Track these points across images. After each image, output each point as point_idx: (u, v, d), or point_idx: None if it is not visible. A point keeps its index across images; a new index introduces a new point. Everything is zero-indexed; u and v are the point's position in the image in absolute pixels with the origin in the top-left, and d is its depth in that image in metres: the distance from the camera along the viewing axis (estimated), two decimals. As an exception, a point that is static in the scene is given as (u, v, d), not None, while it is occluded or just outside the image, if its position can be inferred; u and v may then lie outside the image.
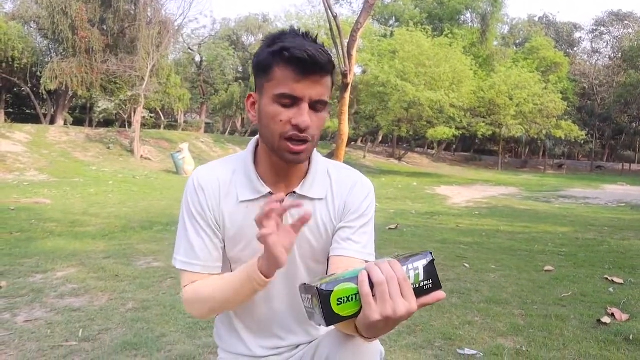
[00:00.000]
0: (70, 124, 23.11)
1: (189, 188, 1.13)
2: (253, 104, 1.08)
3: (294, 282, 1.14)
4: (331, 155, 12.00)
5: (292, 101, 0.99)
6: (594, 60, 41.38)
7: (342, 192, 1.15)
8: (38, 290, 3.30)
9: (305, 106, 0.99)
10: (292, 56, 0.96)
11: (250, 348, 1.20)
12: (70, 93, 22.53)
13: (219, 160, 1.19)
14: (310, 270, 1.17)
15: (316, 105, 1.01)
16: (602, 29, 39.97)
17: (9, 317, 2.81)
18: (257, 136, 1.14)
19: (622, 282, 3.90)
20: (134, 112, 19.86)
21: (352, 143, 27.41)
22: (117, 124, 23.16)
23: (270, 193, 1.10)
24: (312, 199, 1.13)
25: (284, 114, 1.00)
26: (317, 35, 1.05)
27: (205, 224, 1.11)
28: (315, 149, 1.14)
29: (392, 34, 26.17)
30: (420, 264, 0.80)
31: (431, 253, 0.81)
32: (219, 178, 1.13)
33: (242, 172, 1.13)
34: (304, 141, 1.01)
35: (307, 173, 1.13)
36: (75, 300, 3.14)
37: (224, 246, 1.14)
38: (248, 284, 0.98)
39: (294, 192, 1.11)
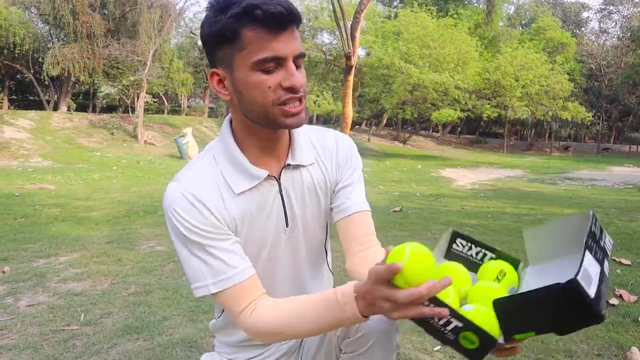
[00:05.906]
0: (74, 110, 23.09)
1: (181, 207, 0.95)
2: (221, 81, 0.96)
3: (296, 256, 1.12)
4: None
5: (275, 64, 0.90)
6: (602, 41, 40.73)
7: (329, 154, 1.13)
8: (41, 274, 3.29)
9: (291, 65, 0.91)
10: (266, 13, 0.85)
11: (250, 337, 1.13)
12: (73, 79, 22.46)
13: (189, 166, 1.03)
14: (309, 239, 1.14)
15: (297, 61, 0.93)
16: (611, 8, 39.27)
17: (12, 301, 2.81)
18: (227, 117, 1.06)
19: (630, 263, 3.85)
20: (137, 97, 19.78)
21: (357, 126, 27.22)
22: (120, 109, 23.07)
23: (268, 175, 1.03)
24: (305, 166, 1.09)
25: (269, 80, 0.90)
26: None
27: (220, 238, 0.97)
28: None
29: (396, 15, 25.78)
30: None
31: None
32: (210, 179, 1.00)
33: (228, 161, 1.01)
34: (300, 100, 0.94)
35: (290, 143, 1.08)
36: (78, 285, 3.13)
37: None
38: (335, 311, 0.85)
39: (288, 165, 1.06)
